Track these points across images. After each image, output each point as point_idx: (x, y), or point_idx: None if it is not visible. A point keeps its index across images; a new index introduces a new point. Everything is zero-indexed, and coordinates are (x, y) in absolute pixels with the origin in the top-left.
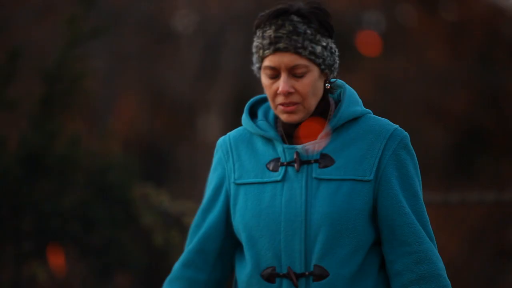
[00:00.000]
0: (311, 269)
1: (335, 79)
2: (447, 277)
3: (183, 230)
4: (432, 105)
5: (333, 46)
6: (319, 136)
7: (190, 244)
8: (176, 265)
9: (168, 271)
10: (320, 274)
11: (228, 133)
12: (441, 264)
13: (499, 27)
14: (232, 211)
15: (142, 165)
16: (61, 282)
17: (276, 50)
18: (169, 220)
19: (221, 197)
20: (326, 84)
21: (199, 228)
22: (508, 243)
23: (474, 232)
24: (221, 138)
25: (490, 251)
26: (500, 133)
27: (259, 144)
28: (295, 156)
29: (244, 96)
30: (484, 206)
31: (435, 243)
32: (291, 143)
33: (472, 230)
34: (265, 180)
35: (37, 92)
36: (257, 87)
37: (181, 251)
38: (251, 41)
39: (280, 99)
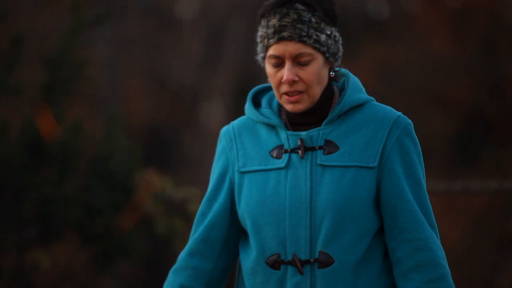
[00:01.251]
0: (316, 255)
1: (339, 68)
2: (447, 266)
3: (186, 218)
4: (435, 93)
5: (337, 34)
6: (324, 123)
7: (195, 233)
8: (182, 255)
9: (170, 258)
10: (325, 261)
11: (232, 122)
12: (441, 253)
13: (503, 15)
14: (236, 199)
15: (145, 151)
16: (63, 269)
17: (281, 39)
18: (172, 207)
19: (225, 186)
20: (331, 73)
21: (205, 217)
22: (511, 231)
23: (477, 221)
24: (225, 127)
25: (492, 239)
26: (503, 121)
27: (263, 132)
28: (299, 143)
29: (246, 83)
30: (486, 194)
31: (437, 231)
32: (295, 130)
33: (475, 218)
34: (268, 167)
35: (40, 79)
36: (260, 74)
37: (184, 238)
38: (254, 29)
39: (284, 88)
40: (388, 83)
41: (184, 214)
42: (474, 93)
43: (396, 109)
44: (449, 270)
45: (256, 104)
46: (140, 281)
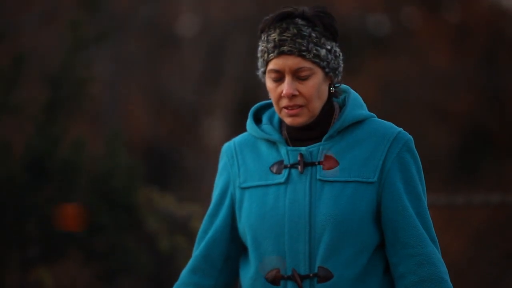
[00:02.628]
0: (316, 270)
1: (339, 84)
2: (449, 280)
3: (189, 234)
4: (436, 107)
5: (338, 49)
6: (324, 139)
7: (197, 250)
8: (184, 271)
9: (174, 275)
10: (324, 276)
11: (233, 139)
12: (443, 268)
13: (503, 28)
14: (237, 215)
15: (146, 169)
16: (67, 287)
17: (281, 53)
18: (175, 224)
19: (227, 202)
20: (331, 88)
21: (206, 233)
22: None
23: (479, 234)
24: (226, 144)
25: (494, 253)
26: (505, 135)
27: (263, 148)
28: (299, 158)
29: (247, 99)
30: (489, 207)
31: (438, 246)
32: (295, 146)
33: (477, 231)
34: (268, 182)
35: (41, 97)
36: (261, 91)
37: (187, 255)
38: (255, 45)
39: (284, 102)
40: (390, 98)
41: (186, 231)
42: (475, 106)
43: (398, 124)
44: (451, 285)
45: (257, 120)
46: None
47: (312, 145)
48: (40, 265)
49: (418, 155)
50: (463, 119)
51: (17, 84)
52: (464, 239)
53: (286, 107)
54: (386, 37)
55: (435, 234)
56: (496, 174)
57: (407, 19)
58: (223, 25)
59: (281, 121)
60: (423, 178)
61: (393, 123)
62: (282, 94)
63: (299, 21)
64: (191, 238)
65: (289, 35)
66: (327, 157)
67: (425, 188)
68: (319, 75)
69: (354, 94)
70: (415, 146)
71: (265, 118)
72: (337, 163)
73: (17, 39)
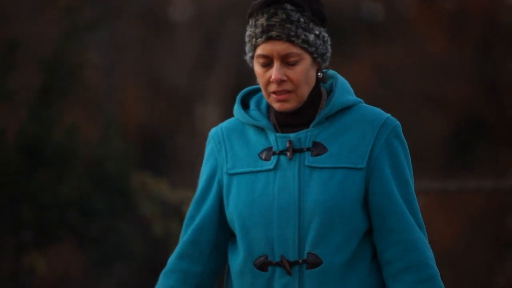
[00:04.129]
0: (305, 256)
1: (327, 69)
2: (435, 267)
3: (182, 220)
4: (431, 94)
5: (326, 35)
6: (312, 125)
7: (184, 236)
8: (171, 258)
9: (167, 261)
10: (313, 262)
11: (220, 124)
12: (430, 254)
13: (498, 16)
14: (225, 201)
15: (140, 154)
16: (60, 272)
17: (269, 39)
18: (168, 210)
19: (214, 188)
20: (319, 73)
21: (193, 220)
22: (506, 230)
23: (473, 220)
24: (213, 129)
25: (488, 239)
26: (499, 122)
27: (252, 134)
28: (287, 145)
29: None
30: (482, 194)
31: (425, 232)
32: (283, 132)
33: (471, 218)
34: (257, 169)
35: (35, 83)
36: (254, 76)
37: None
38: (246, 30)
39: (272, 87)
40: (384, 85)
41: (180, 216)
42: (470, 94)
43: (392, 111)
44: (438, 271)
45: (245, 105)
46: (137, 283)
47: (300, 132)
48: (34, 250)
49: (405, 141)
50: (458, 106)
51: (11, 70)
52: (458, 225)
53: (274, 92)
54: (381, 24)
55: (422, 220)
56: (489, 160)
57: (402, 6)
58: (217, 11)
59: (268, 106)
60: (411, 164)
61: (387, 110)
62: (271, 80)
63: (288, 6)
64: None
65: (277, 20)
66: (315, 144)
67: (412, 174)
68: (307, 61)
69: (341, 79)
70: (410, 133)
71: (252, 103)
72: (326, 149)
73: (11, 24)
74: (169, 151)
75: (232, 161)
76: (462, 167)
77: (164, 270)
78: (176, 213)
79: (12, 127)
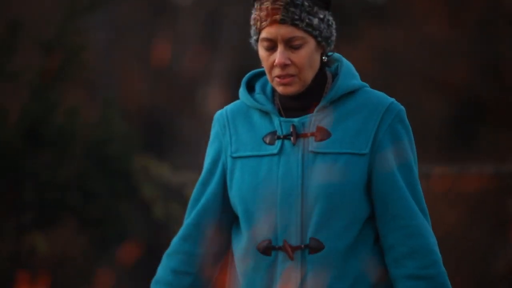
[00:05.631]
0: (307, 241)
1: (332, 53)
2: (439, 252)
3: (184, 202)
4: (432, 76)
5: (330, 18)
6: (316, 109)
7: (188, 218)
8: (174, 239)
9: (168, 243)
10: (315, 247)
11: (225, 107)
12: (433, 239)
13: None
14: (228, 185)
15: (142, 136)
16: (61, 253)
17: (273, 22)
18: (170, 192)
19: (218, 171)
20: (323, 57)
21: (197, 202)
22: (507, 214)
23: (473, 204)
24: (218, 112)
25: (489, 223)
26: (500, 105)
27: (256, 118)
28: (291, 129)
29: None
30: (483, 177)
31: (428, 217)
32: (288, 116)
33: (472, 202)
34: (261, 153)
35: (37, 64)
36: (258, 59)
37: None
38: (251, 13)
39: (276, 71)
40: (385, 67)
41: (181, 199)
42: (471, 76)
43: (392, 93)
44: (440, 256)
45: (251, 88)
46: (138, 266)
47: (305, 116)
48: (35, 231)
49: (410, 126)
50: (459, 89)
51: (13, 51)
52: (459, 208)
53: (278, 76)
54: (382, 6)
55: (425, 206)
56: (490, 144)
57: None
58: None
59: (273, 90)
60: (415, 149)
61: (388, 92)
62: (275, 63)
63: None
64: (186, 206)
65: (281, 3)
66: (319, 129)
67: (416, 159)
68: (311, 44)
69: (346, 63)
70: (410, 116)
71: (258, 87)
72: (330, 134)
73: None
74: (171, 133)
75: (236, 144)
76: (463, 150)
77: (167, 251)
78: (177, 196)
79: (15, 108)
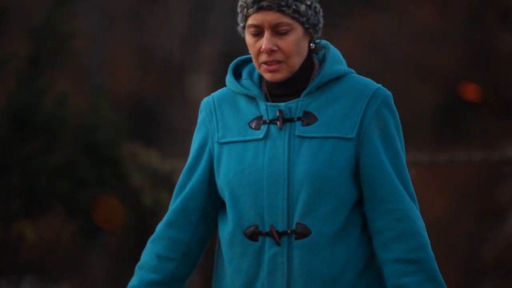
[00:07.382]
0: (294, 227)
1: (319, 40)
2: (426, 235)
3: (172, 189)
4: (421, 64)
5: (317, 5)
6: (303, 94)
7: (174, 204)
8: (160, 225)
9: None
10: (302, 232)
11: (212, 94)
12: (420, 223)
13: None
14: (216, 170)
15: (131, 124)
16: (49, 240)
17: (260, 8)
18: (158, 180)
19: (205, 157)
20: (311, 44)
21: (183, 188)
22: (495, 201)
23: (462, 191)
24: (205, 99)
25: (477, 210)
26: (489, 93)
27: (243, 103)
28: (277, 114)
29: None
30: (472, 165)
31: (416, 202)
32: (274, 101)
33: (460, 189)
34: (247, 138)
35: (25, 51)
36: (246, 46)
37: None
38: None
39: (263, 57)
40: (374, 55)
41: (170, 186)
42: (460, 64)
43: (381, 80)
44: (428, 240)
45: (238, 75)
46: (126, 253)
47: (291, 101)
48: (23, 218)
49: (397, 111)
50: (448, 77)
51: (1, 38)
52: (447, 196)
53: (265, 62)
54: None
55: (413, 190)
56: (479, 132)
57: None
58: None
59: (261, 76)
60: (402, 134)
61: (377, 80)
62: (261, 49)
63: None
64: None
65: None
66: (306, 113)
67: (403, 144)
68: (298, 31)
69: (333, 50)
70: (399, 103)
71: (245, 73)
72: (316, 119)
73: None
74: (160, 120)
75: (223, 130)
76: (452, 138)
77: (152, 236)
78: (166, 183)
79: (2, 96)
